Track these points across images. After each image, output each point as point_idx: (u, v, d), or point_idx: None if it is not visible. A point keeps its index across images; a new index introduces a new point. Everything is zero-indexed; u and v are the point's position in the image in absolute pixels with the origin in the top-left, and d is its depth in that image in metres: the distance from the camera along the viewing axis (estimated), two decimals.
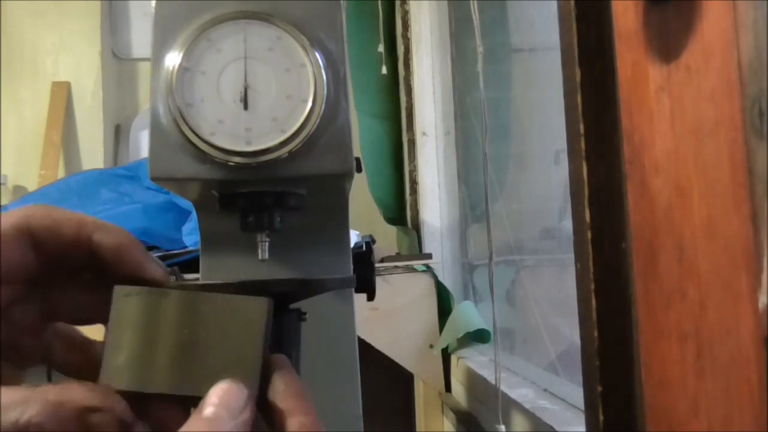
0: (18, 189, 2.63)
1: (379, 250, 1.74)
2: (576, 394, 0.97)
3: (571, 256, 0.61)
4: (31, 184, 2.53)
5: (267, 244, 0.55)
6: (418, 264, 1.64)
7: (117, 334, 0.37)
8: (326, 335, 0.64)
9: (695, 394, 0.45)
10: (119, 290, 0.38)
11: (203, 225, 0.64)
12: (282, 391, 0.35)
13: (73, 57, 2.75)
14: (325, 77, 0.50)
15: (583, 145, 0.57)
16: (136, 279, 0.38)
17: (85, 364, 0.39)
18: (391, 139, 2.05)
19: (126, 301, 0.37)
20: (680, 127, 0.46)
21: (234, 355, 0.36)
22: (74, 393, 0.33)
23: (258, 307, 0.37)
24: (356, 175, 0.55)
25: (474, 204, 1.76)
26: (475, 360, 1.46)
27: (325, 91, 0.50)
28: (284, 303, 0.44)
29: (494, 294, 1.12)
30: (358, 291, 0.66)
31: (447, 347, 1.56)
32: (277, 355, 0.37)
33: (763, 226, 0.38)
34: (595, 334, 0.56)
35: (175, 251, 1.36)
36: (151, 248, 1.42)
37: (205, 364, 0.36)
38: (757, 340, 0.39)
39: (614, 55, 0.53)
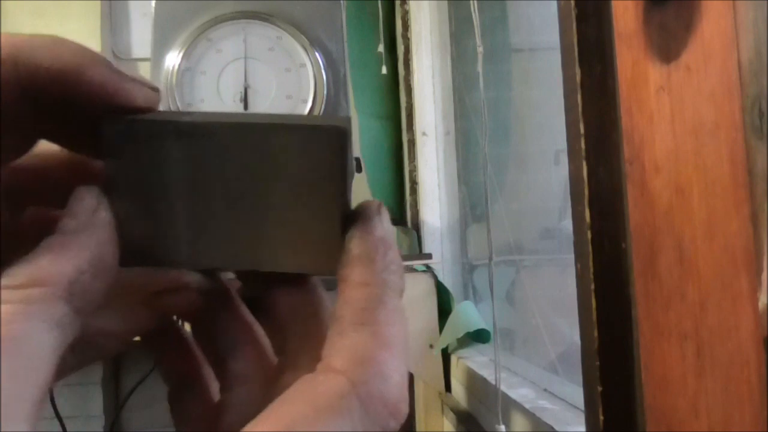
0: None
1: None
2: (576, 394, 0.97)
3: (571, 256, 0.61)
4: None
5: None
6: (418, 264, 1.64)
7: (120, 197, 0.26)
8: None
9: (695, 394, 0.45)
10: (111, 124, 0.25)
11: None
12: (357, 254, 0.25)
13: None
14: (325, 77, 0.50)
15: (583, 145, 0.57)
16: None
17: None
18: (391, 139, 2.05)
19: (128, 145, 0.26)
20: (680, 127, 0.46)
21: (310, 209, 0.26)
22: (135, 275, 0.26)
23: (337, 136, 0.25)
24: (356, 175, 0.55)
25: (474, 204, 1.76)
26: (475, 360, 1.46)
27: (325, 91, 0.50)
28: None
29: (494, 294, 1.12)
30: None
31: (447, 347, 1.56)
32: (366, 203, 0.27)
33: (763, 226, 0.38)
34: (595, 334, 0.56)
35: None
36: None
37: (272, 225, 0.26)
38: (757, 340, 0.39)
39: (614, 55, 0.53)
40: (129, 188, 0.26)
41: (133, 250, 0.25)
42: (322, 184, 0.25)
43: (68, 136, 0.27)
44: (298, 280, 0.27)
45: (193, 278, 0.28)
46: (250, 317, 0.29)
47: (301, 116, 0.27)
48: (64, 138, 0.27)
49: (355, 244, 0.25)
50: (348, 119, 0.26)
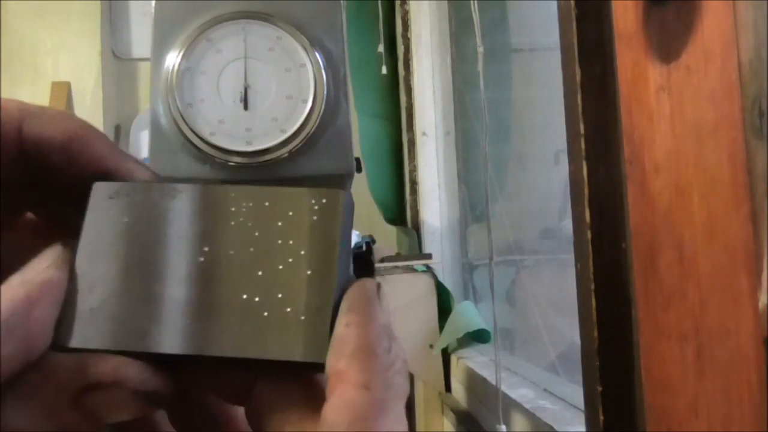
0: None
1: (379, 250, 1.74)
2: (576, 394, 0.97)
3: (571, 256, 0.61)
4: None
5: None
6: (418, 264, 1.64)
7: (94, 262, 0.23)
8: None
9: (695, 394, 0.45)
10: (100, 189, 0.24)
11: None
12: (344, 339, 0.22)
13: (73, 57, 2.75)
14: (325, 77, 0.50)
15: (583, 145, 0.57)
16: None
17: None
18: (391, 139, 2.05)
19: (110, 205, 0.24)
20: (680, 127, 0.46)
21: (296, 282, 0.22)
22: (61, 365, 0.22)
23: (335, 200, 0.24)
24: (356, 175, 0.55)
25: (474, 204, 1.76)
26: (475, 360, 1.46)
27: (325, 91, 0.50)
28: None
29: (494, 294, 1.12)
30: None
31: (447, 347, 1.56)
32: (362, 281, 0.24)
33: (763, 226, 0.38)
34: (595, 334, 0.56)
35: None
36: None
37: (249, 302, 0.22)
38: (757, 340, 0.39)
39: (614, 55, 0.53)
40: (101, 253, 0.23)
41: (83, 328, 0.22)
42: (310, 253, 0.23)
43: (46, 207, 0.26)
44: (282, 368, 0.22)
45: (131, 374, 0.22)
46: (223, 414, 0.25)
47: (294, 185, 0.26)
48: (41, 208, 0.27)
49: (353, 334, 0.21)
50: (346, 193, 0.25)
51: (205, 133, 0.49)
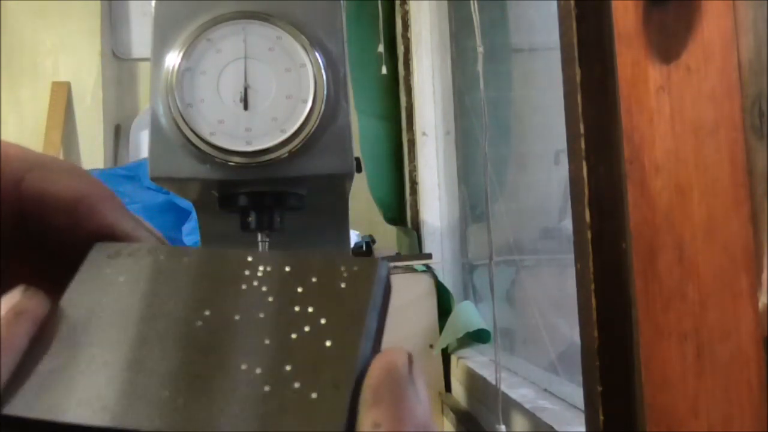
0: None
1: (379, 250, 1.74)
2: (576, 394, 0.97)
3: (571, 256, 0.61)
4: None
5: (267, 244, 0.55)
6: (418, 264, 1.64)
7: (75, 317, 0.20)
8: None
9: (695, 394, 0.45)
10: (101, 247, 0.22)
11: (203, 225, 0.64)
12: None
13: (73, 57, 2.75)
14: (325, 77, 0.50)
15: (583, 145, 0.57)
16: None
17: None
18: (391, 139, 2.05)
19: (107, 264, 0.22)
20: (680, 127, 0.46)
21: (323, 364, 0.19)
22: None
23: (371, 268, 0.20)
24: (356, 175, 0.55)
25: (474, 204, 1.76)
26: (475, 360, 1.46)
27: (325, 91, 0.50)
28: None
29: (494, 294, 1.12)
30: None
31: (447, 347, 1.56)
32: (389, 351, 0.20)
33: (763, 226, 0.38)
34: (595, 334, 0.56)
35: None
36: None
37: (255, 372, 0.19)
38: (757, 340, 0.39)
39: (614, 55, 0.53)
40: (84, 310, 0.20)
41: (33, 391, 0.19)
42: (332, 323, 0.20)
43: (35, 261, 0.23)
44: None
45: None
46: None
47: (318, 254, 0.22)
48: (28, 261, 0.23)
49: (382, 419, 0.17)
50: (383, 263, 0.21)
51: (205, 133, 0.49)
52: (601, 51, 0.57)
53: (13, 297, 0.20)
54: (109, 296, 0.21)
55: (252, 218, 0.54)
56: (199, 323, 0.20)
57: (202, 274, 0.21)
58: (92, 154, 2.69)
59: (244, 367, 0.19)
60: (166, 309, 0.20)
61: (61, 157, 2.59)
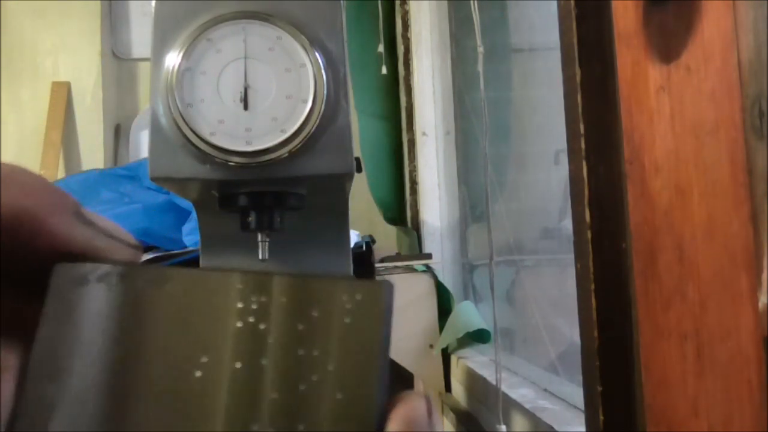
0: None
1: (379, 250, 1.74)
2: (576, 394, 0.97)
3: (571, 256, 0.61)
4: None
5: (267, 244, 0.55)
6: (418, 264, 1.64)
7: (52, 373, 0.18)
8: None
9: (695, 394, 0.45)
10: (63, 272, 0.19)
11: (203, 225, 0.64)
12: None
13: (73, 57, 2.75)
14: (325, 77, 0.50)
15: (583, 145, 0.57)
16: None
17: None
18: (391, 139, 2.05)
19: (77, 295, 0.19)
20: (680, 127, 0.46)
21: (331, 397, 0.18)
22: None
23: (377, 297, 0.19)
24: (356, 175, 0.55)
25: (474, 204, 1.76)
26: (475, 360, 1.46)
27: (325, 91, 0.50)
28: None
29: (494, 294, 1.12)
30: None
31: (447, 347, 1.56)
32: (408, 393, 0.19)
33: (763, 226, 0.38)
34: (595, 334, 0.56)
35: (175, 251, 1.36)
36: (150, 248, 1.42)
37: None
38: (757, 340, 0.39)
39: (614, 55, 0.53)
40: (61, 362, 0.18)
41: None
42: (341, 370, 0.18)
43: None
44: None
45: None
46: None
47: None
48: None
49: None
50: (387, 284, 0.19)
51: (205, 133, 0.49)
52: (601, 51, 0.57)
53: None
54: (88, 341, 0.18)
55: (252, 218, 0.54)
56: (198, 374, 0.18)
57: (191, 308, 0.18)
58: (92, 154, 2.69)
59: (255, 427, 0.17)
60: (158, 355, 0.18)
61: (61, 157, 2.59)
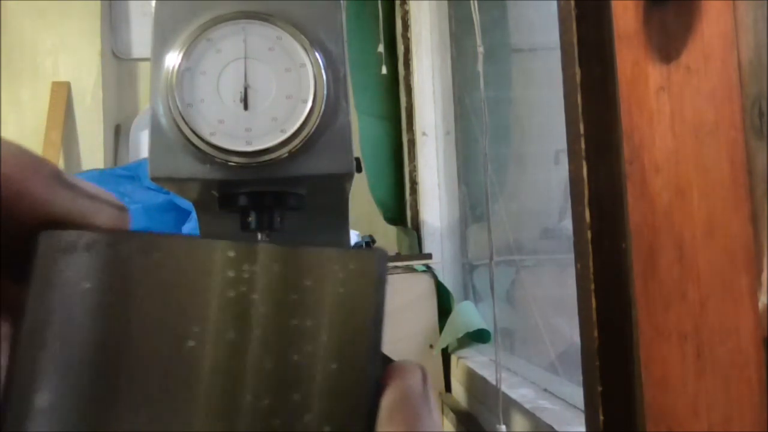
0: None
1: None
2: (576, 394, 0.97)
3: (571, 256, 0.61)
4: None
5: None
6: (418, 264, 1.64)
7: (42, 346, 0.18)
8: None
9: (695, 394, 0.45)
10: (48, 240, 0.18)
11: (203, 225, 0.64)
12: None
13: (73, 57, 2.75)
14: (325, 77, 0.50)
15: (583, 145, 0.57)
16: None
17: None
18: (391, 139, 2.05)
19: (64, 265, 0.18)
20: (680, 127, 0.46)
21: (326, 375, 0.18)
22: None
23: (369, 266, 0.18)
24: (356, 175, 0.55)
25: (474, 204, 1.76)
26: (475, 360, 1.46)
27: (325, 91, 0.50)
28: None
29: (494, 294, 1.12)
30: None
31: (447, 347, 1.56)
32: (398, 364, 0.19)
33: (763, 226, 0.38)
34: (595, 334, 0.56)
35: None
36: None
37: (263, 404, 0.17)
38: (757, 340, 0.39)
39: (614, 55, 0.53)
40: (50, 335, 0.18)
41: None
42: (335, 341, 0.18)
43: None
44: None
45: None
46: None
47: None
48: None
49: None
50: (381, 251, 0.19)
51: (205, 133, 0.49)
52: (601, 51, 0.57)
53: None
54: (76, 311, 0.18)
55: (252, 218, 0.54)
56: (191, 343, 0.17)
57: (181, 277, 0.18)
58: (92, 154, 2.69)
59: (249, 398, 0.17)
60: (149, 326, 0.18)
61: (61, 157, 2.59)
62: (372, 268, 0.18)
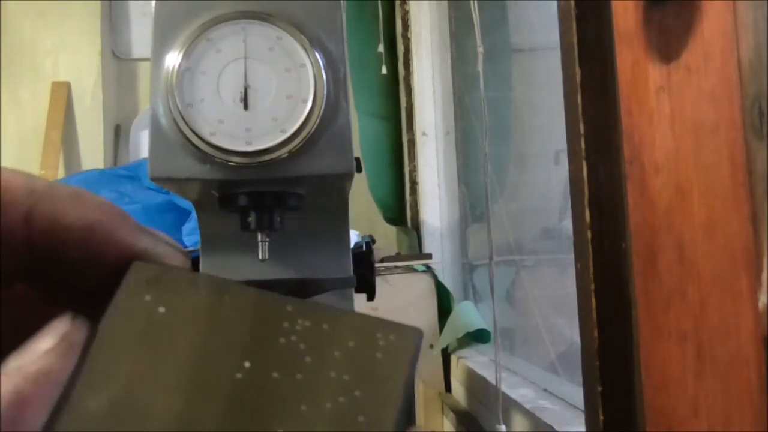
0: None
1: (379, 250, 1.74)
2: (576, 394, 0.97)
3: (571, 256, 0.61)
4: None
5: (267, 244, 0.55)
6: (418, 264, 1.64)
7: (113, 353, 0.19)
8: None
9: (695, 394, 0.45)
10: (139, 270, 0.21)
11: (203, 225, 0.64)
12: None
13: (73, 57, 2.75)
14: (325, 77, 0.50)
15: (583, 145, 0.57)
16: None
17: None
18: (391, 139, 2.05)
19: (147, 291, 0.21)
20: (680, 127, 0.46)
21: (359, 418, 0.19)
22: None
23: (408, 340, 0.21)
24: (356, 175, 0.55)
25: (474, 204, 1.76)
26: (475, 360, 1.46)
27: (325, 91, 0.50)
28: None
29: (494, 294, 1.12)
30: (357, 291, 0.66)
31: (447, 347, 1.56)
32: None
33: (763, 226, 0.38)
34: (595, 334, 0.56)
35: None
36: None
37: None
38: (757, 340, 0.39)
39: (614, 55, 0.53)
40: (124, 345, 0.20)
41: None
42: (366, 397, 0.19)
43: (45, 283, 0.22)
44: None
45: None
46: None
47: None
48: (38, 282, 0.22)
49: None
50: (419, 332, 0.21)
51: (205, 133, 0.49)
52: (601, 51, 0.57)
53: (64, 326, 0.19)
54: (150, 332, 0.20)
55: (252, 218, 0.54)
56: (239, 375, 0.20)
57: (243, 318, 0.21)
58: (92, 154, 2.69)
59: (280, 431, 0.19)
60: (208, 354, 0.20)
61: (61, 157, 2.59)
62: (410, 344, 0.21)
